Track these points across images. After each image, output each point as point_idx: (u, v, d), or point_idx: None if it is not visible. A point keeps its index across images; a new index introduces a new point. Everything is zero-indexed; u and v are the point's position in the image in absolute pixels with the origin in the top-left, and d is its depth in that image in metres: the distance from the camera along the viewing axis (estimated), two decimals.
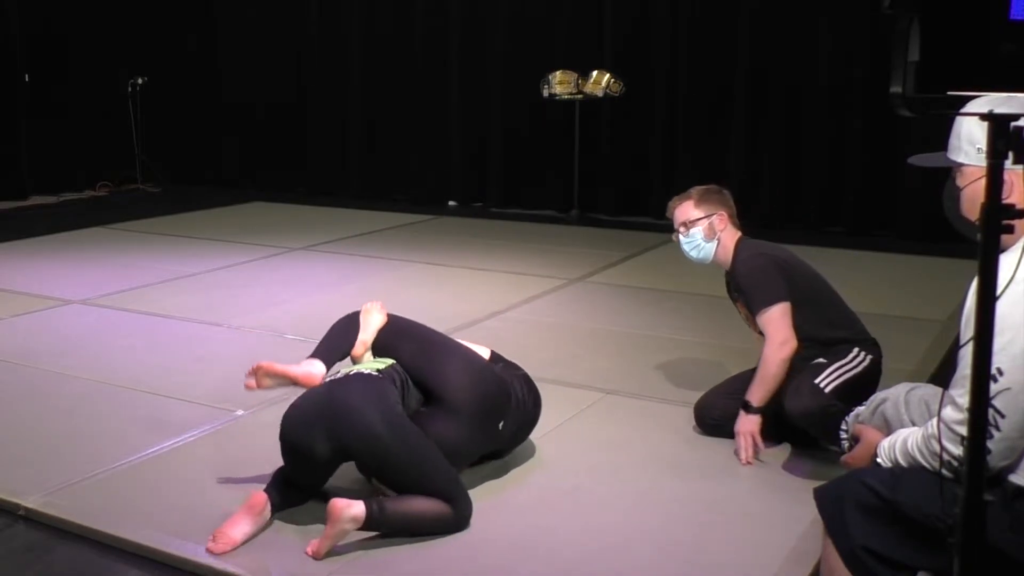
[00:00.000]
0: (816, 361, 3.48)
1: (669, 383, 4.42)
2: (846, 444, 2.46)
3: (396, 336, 3.39)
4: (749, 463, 3.44)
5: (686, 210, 3.75)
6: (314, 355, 3.36)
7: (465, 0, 9.38)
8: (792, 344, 3.44)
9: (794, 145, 8.15)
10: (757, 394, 3.47)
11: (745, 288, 3.60)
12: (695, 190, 3.83)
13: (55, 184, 10.09)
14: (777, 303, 3.49)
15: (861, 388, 3.33)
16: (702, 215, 3.72)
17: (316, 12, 10.21)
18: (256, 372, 3.28)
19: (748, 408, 3.49)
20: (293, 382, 3.27)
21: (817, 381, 3.38)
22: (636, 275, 6.55)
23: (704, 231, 3.70)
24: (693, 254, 3.75)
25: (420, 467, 2.97)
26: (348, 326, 3.46)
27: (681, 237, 3.75)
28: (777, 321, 3.47)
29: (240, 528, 2.93)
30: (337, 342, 3.44)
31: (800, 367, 3.46)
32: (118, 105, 10.34)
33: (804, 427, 3.38)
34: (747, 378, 3.64)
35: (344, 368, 3.33)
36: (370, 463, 3.08)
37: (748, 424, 3.48)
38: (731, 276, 3.75)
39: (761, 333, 3.54)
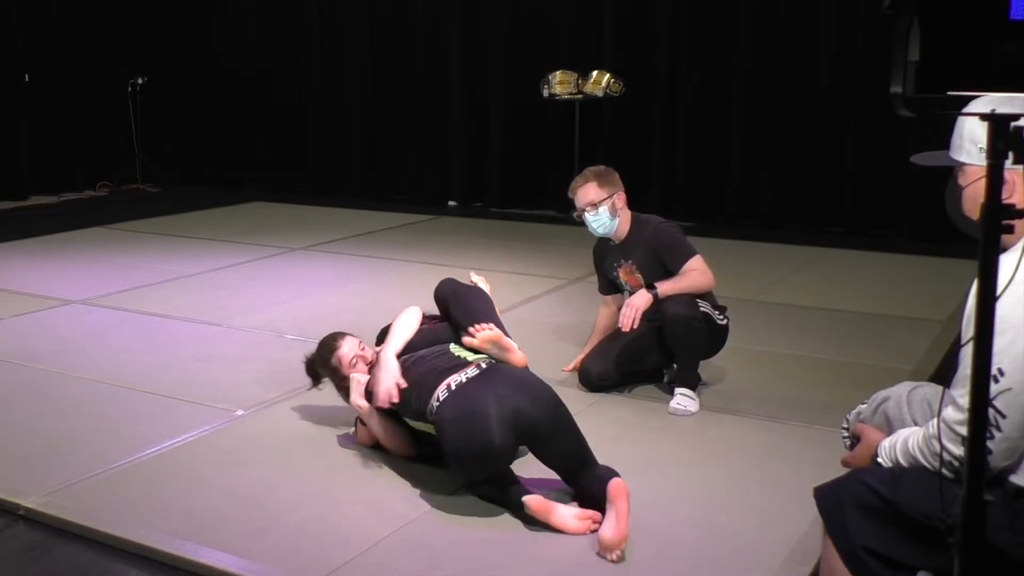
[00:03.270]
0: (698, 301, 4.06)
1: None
2: (847, 442, 2.45)
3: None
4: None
5: (589, 192, 4.16)
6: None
7: (465, 0, 9.39)
8: (714, 281, 4.08)
9: (794, 145, 8.15)
10: (667, 286, 3.97)
11: (666, 246, 4.11)
12: (592, 172, 4.23)
13: (55, 184, 10.10)
14: (697, 254, 4.09)
15: (718, 338, 4.14)
16: (606, 195, 4.15)
17: (316, 12, 10.21)
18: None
19: (651, 289, 3.98)
20: None
21: (698, 302, 4.00)
22: None
23: (609, 209, 4.15)
24: (601, 231, 4.21)
25: (577, 434, 3.16)
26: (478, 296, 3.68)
27: (588, 216, 4.16)
28: (703, 265, 4.06)
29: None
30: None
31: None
32: (118, 105, 10.34)
33: (671, 331, 3.94)
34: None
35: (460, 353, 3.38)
36: (547, 447, 3.14)
37: (641, 299, 3.94)
38: (622, 244, 4.24)
39: (630, 292, 4.11)
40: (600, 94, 8.45)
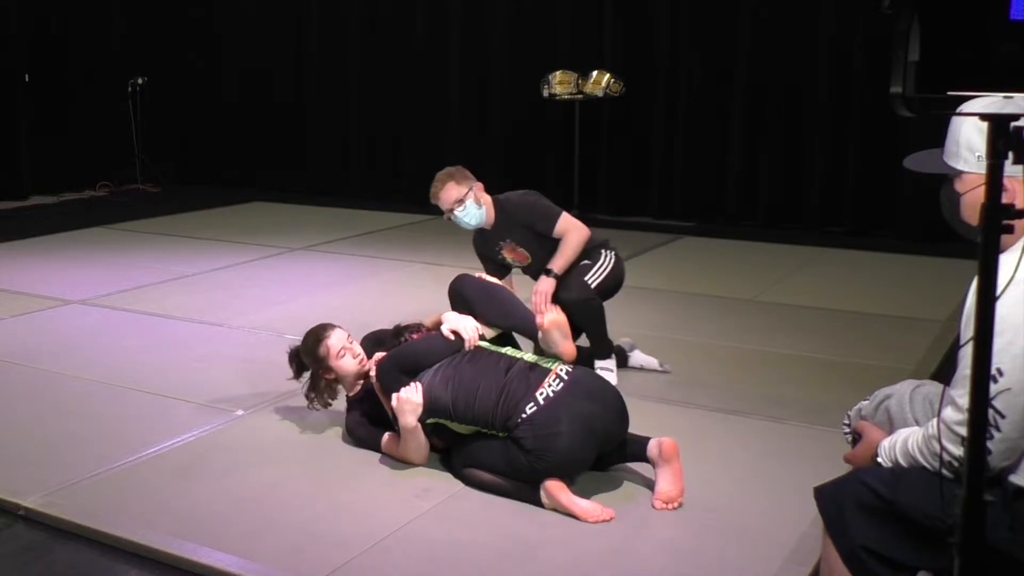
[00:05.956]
0: (583, 263, 4.29)
1: (668, 382, 4.42)
2: (849, 438, 2.45)
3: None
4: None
5: (451, 191, 4.34)
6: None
7: (465, 0, 9.39)
8: (587, 231, 4.28)
9: (794, 145, 8.15)
10: (558, 263, 4.22)
11: (530, 214, 4.35)
12: (445, 174, 4.40)
13: (55, 184, 10.09)
14: (563, 211, 4.35)
15: (615, 282, 4.36)
16: (466, 190, 4.35)
17: (316, 12, 10.21)
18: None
19: (549, 273, 4.22)
20: None
21: (585, 278, 4.22)
22: (635, 275, 6.52)
23: (474, 201, 4.37)
24: (473, 223, 4.41)
25: None
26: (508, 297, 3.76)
27: (458, 213, 4.34)
28: (572, 219, 4.31)
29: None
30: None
31: (571, 268, 4.27)
32: (118, 105, 10.34)
33: (574, 315, 4.02)
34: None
35: (536, 360, 3.42)
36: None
37: (546, 285, 4.20)
38: (495, 228, 4.43)
39: (520, 267, 4.45)
40: (600, 94, 8.44)
